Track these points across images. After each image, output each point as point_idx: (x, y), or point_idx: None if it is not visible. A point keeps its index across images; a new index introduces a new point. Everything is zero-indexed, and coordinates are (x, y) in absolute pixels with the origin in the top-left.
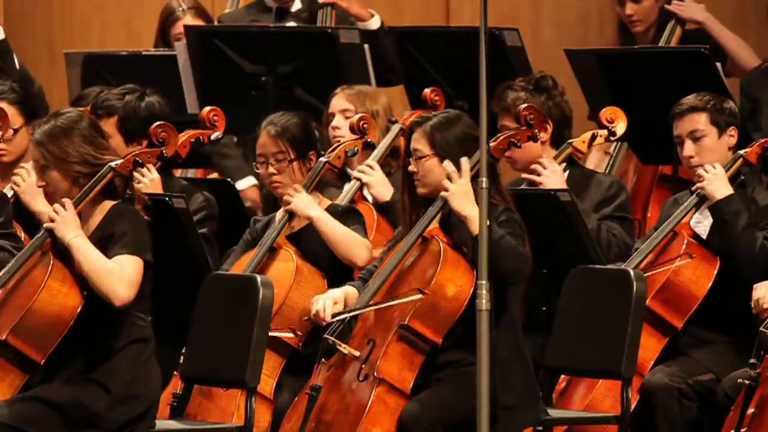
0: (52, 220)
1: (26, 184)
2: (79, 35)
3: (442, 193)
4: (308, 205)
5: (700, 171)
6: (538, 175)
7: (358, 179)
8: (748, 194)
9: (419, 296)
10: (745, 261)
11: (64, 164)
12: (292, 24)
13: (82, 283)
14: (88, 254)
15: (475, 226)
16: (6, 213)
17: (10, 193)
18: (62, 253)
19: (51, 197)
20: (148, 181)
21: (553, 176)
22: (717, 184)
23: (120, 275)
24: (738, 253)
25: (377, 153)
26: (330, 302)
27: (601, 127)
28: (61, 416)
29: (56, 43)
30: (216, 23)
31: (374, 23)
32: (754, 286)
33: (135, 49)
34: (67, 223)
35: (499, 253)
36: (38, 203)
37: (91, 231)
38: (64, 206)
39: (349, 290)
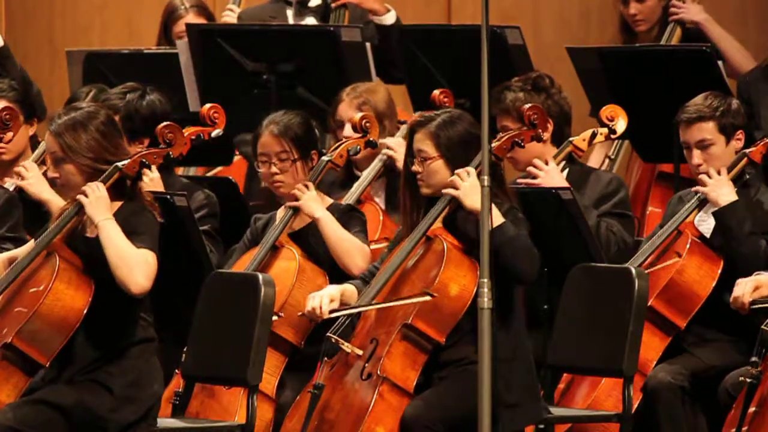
0: (84, 194)
1: (31, 174)
2: (81, 33)
3: (450, 191)
4: (316, 205)
5: (703, 177)
6: (535, 176)
7: (386, 156)
8: (752, 195)
9: (426, 298)
10: (748, 267)
11: (80, 158)
12: (311, 19)
13: (87, 285)
14: (116, 239)
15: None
16: (16, 216)
17: (11, 188)
18: (68, 253)
19: (64, 190)
20: (148, 180)
21: (551, 175)
22: (721, 190)
23: (143, 264)
24: (741, 260)
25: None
26: (327, 299)
27: (602, 125)
28: (66, 419)
29: (58, 42)
30: (237, 20)
31: (390, 18)
32: (737, 281)
33: (136, 47)
34: (99, 204)
35: (514, 252)
36: (46, 191)
37: None
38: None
39: (347, 288)
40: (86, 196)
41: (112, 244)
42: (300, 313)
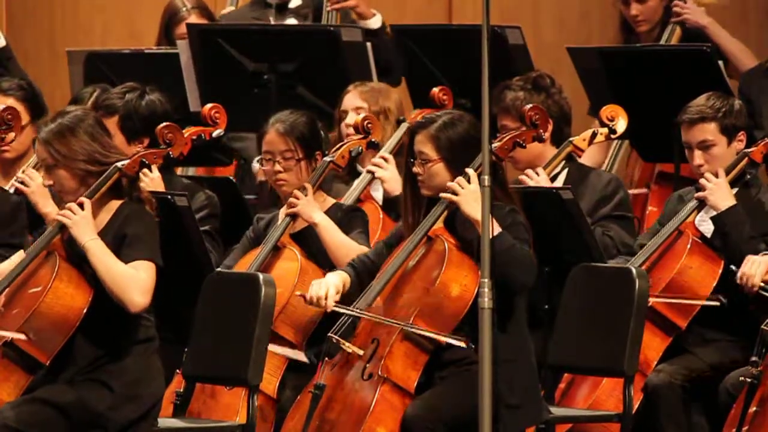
0: (66, 216)
1: (36, 184)
2: (81, 33)
3: (449, 196)
4: (313, 210)
5: (702, 181)
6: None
7: (372, 173)
8: (753, 195)
9: (459, 342)
10: None
11: (72, 162)
12: (291, 20)
13: (88, 284)
14: (105, 259)
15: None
16: (20, 220)
17: (12, 191)
18: (68, 252)
19: (59, 197)
20: (149, 180)
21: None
22: (719, 194)
23: (137, 281)
24: (740, 264)
25: (385, 151)
26: (333, 290)
27: (602, 125)
28: (66, 418)
29: (58, 42)
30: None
31: (375, 22)
32: (747, 257)
33: (137, 47)
34: (84, 225)
35: (510, 262)
36: (47, 205)
37: (98, 230)
38: (81, 205)
39: (344, 277)
40: (68, 218)
41: (102, 265)
42: (299, 293)
